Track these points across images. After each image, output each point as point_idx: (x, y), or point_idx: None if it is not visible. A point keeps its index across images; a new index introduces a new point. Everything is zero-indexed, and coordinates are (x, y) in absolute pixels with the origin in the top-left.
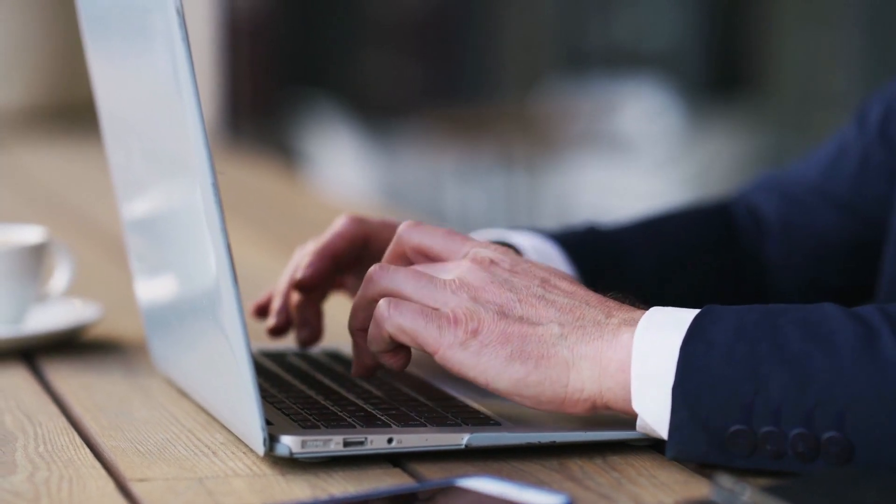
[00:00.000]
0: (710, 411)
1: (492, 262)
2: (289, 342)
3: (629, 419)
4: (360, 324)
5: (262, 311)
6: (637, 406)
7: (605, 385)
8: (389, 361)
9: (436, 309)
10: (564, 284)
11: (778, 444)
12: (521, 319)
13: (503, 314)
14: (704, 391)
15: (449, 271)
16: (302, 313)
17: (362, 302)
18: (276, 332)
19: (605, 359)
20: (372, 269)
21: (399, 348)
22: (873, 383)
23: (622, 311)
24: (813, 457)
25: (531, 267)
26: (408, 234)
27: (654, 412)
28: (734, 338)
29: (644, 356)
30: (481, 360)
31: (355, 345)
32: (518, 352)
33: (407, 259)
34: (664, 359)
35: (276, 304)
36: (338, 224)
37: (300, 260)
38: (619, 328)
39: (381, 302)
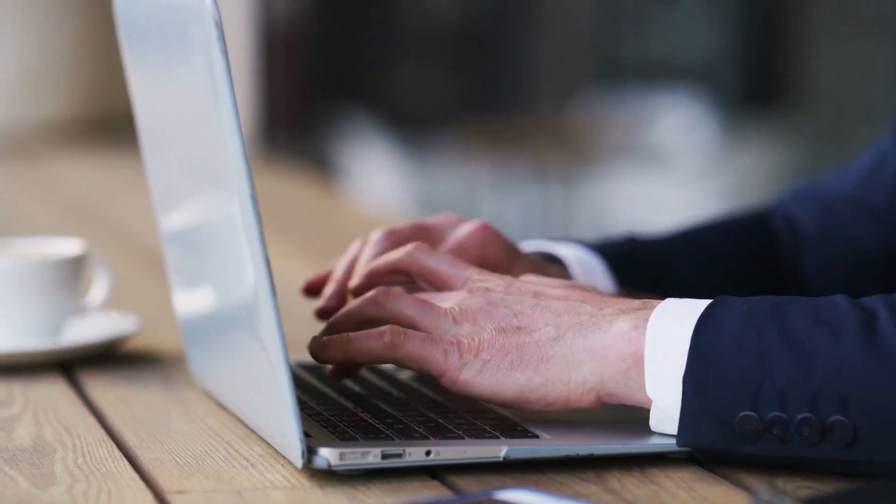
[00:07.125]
0: (718, 398)
1: (487, 289)
2: None
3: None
4: (348, 329)
5: (311, 289)
6: (651, 393)
7: (606, 374)
8: (349, 371)
9: (439, 336)
10: (559, 291)
11: (784, 429)
12: (518, 330)
13: (501, 330)
14: (713, 378)
15: (448, 300)
16: None
17: (358, 316)
18: (325, 315)
19: (603, 348)
20: (378, 291)
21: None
22: (873, 365)
23: (618, 303)
24: (818, 441)
25: (524, 284)
26: (416, 256)
27: (668, 400)
28: (743, 325)
29: (657, 344)
30: (484, 376)
31: (332, 341)
32: (518, 360)
33: (405, 275)
34: (677, 347)
35: (329, 290)
36: (373, 242)
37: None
38: (615, 317)
39: (392, 329)
